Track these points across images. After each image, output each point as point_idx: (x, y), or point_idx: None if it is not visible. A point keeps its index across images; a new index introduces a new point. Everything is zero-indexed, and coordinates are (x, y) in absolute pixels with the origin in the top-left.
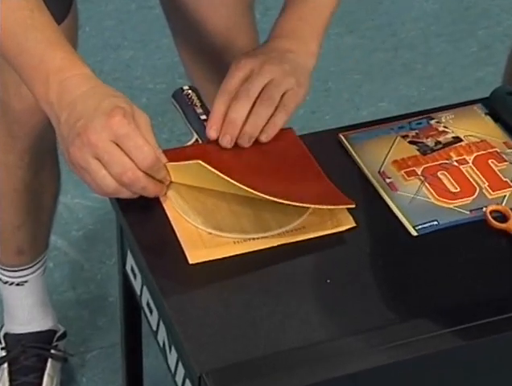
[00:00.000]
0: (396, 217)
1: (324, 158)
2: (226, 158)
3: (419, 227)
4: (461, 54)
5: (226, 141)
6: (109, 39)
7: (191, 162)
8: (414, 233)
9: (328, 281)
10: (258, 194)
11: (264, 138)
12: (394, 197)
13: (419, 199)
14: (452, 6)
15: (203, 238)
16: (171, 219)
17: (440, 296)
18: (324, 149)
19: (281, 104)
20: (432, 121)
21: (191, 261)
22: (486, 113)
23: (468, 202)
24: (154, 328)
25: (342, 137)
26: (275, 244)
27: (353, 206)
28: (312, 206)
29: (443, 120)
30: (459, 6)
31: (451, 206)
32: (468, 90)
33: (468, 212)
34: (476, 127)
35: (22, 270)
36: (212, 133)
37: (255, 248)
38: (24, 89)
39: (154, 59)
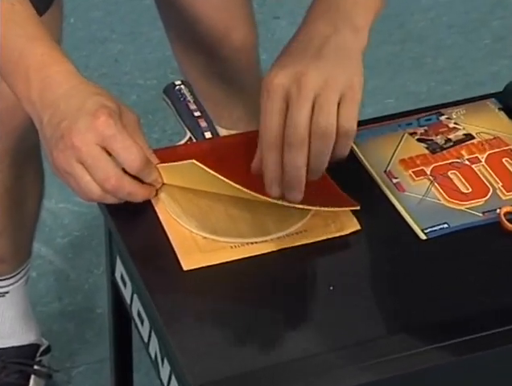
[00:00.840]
0: (403, 220)
1: None
2: (223, 157)
3: (428, 230)
4: (474, 46)
5: (294, 197)
6: (95, 31)
7: (184, 162)
8: (423, 237)
9: (331, 287)
10: (257, 195)
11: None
12: (402, 198)
13: (427, 201)
14: None
15: (198, 243)
16: (163, 222)
17: (451, 304)
18: None
19: (340, 126)
20: (442, 117)
21: (185, 268)
22: (500, 109)
23: (481, 203)
24: (146, 339)
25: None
26: (275, 249)
27: (358, 208)
28: (315, 208)
29: (454, 116)
30: None
31: (462, 208)
32: (482, 85)
33: (480, 214)
34: (488, 123)
35: (2, 280)
36: (275, 192)
37: (253, 254)
38: (5, 87)
39: (145, 53)
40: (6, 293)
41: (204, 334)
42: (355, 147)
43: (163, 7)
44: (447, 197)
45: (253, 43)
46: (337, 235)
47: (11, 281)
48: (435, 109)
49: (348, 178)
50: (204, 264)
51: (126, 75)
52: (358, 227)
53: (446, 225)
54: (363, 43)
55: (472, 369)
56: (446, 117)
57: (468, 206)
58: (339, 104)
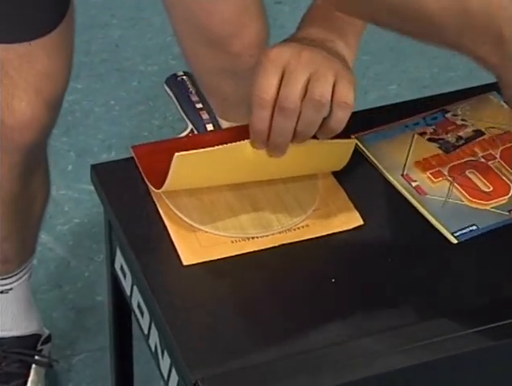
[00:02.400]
0: (429, 224)
1: None
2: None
3: (458, 233)
4: None
5: (276, 155)
6: (96, 16)
7: (201, 150)
8: (454, 241)
9: (333, 280)
10: (243, 142)
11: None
12: (424, 202)
13: (451, 203)
14: None
15: (198, 237)
16: (163, 216)
17: (498, 307)
18: None
19: (335, 98)
20: (448, 114)
21: (185, 263)
22: (504, 101)
23: (505, 201)
24: (146, 331)
25: (355, 140)
26: (276, 244)
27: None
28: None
29: (460, 112)
30: None
31: (487, 207)
32: (485, 71)
33: (506, 213)
34: (495, 117)
35: (6, 278)
36: (258, 147)
37: (255, 249)
38: (17, 101)
39: (146, 38)
40: (10, 289)
41: (205, 327)
42: (366, 151)
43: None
44: (469, 197)
45: (265, 39)
46: (340, 229)
47: (15, 278)
48: (439, 102)
49: (363, 183)
50: (204, 260)
51: (127, 61)
52: (361, 221)
53: (475, 227)
54: (353, 59)
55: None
56: (452, 113)
57: (492, 205)
58: (334, 83)
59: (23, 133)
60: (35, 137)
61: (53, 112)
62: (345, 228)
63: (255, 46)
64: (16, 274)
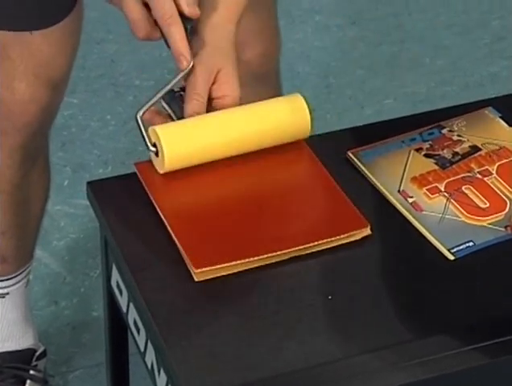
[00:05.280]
0: (426, 240)
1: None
2: (229, 180)
3: (455, 249)
4: (473, 46)
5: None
6: (91, 31)
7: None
8: (451, 257)
9: (330, 297)
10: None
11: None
12: (421, 218)
13: (447, 219)
14: None
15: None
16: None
17: (497, 321)
18: (331, 165)
19: None
20: (444, 130)
21: (197, 279)
22: (500, 117)
23: (501, 217)
24: (142, 349)
25: (352, 156)
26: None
27: (369, 232)
28: (323, 241)
29: (456, 128)
30: None
31: (484, 223)
32: (481, 86)
33: (503, 229)
34: (491, 133)
35: (3, 281)
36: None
37: (255, 265)
38: (17, 83)
39: (141, 53)
40: (7, 294)
41: (202, 344)
42: (363, 167)
43: None
44: (466, 213)
45: (276, 51)
46: (346, 241)
47: (12, 281)
48: (435, 118)
49: (360, 199)
50: (215, 275)
51: (123, 76)
52: (369, 231)
53: (471, 243)
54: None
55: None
56: (448, 129)
57: (489, 221)
58: None
59: (23, 113)
60: (35, 118)
61: (53, 93)
62: (352, 239)
63: (266, 55)
64: (13, 277)
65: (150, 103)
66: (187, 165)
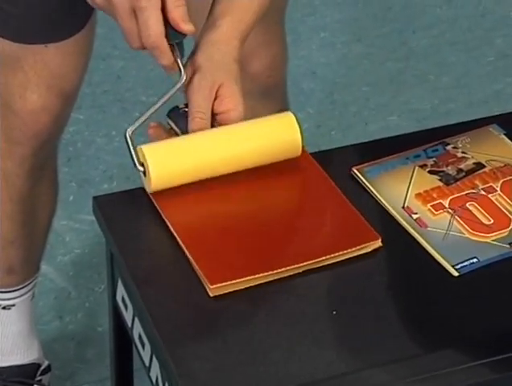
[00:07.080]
0: (430, 256)
1: None
2: (239, 194)
3: (459, 266)
4: (477, 64)
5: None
6: (98, 47)
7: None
8: (455, 273)
9: (334, 312)
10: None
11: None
12: (425, 234)
13: (452, 235)
14: (467, 11)
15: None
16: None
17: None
18: (336, 181)
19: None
20: (449, 147)
21: (212, 294)
22: (504, 134)
23: (505, 234)
24: (147, 363)
25: (356, 172)
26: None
27: (379, 243)
28: (336, 254)
29: (460, 144)
30: (475, 12)
31: (488, 240)
32: (485, 103)
33: (507, 245)
34: (495, 150)
35: (10, 292)
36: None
37: (264, 281)
38: (29, 93)
39: (147, 69)
40: (13, 305)
41: (207, 359)
42: (367, 183)
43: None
44: (470, 230)
45: (283, 62)
46: (357, 253)
47: (18, 293)
48: (440, 134)
49: (364, 215)
50: (229, 290)
51: (129, 92)
52: (380, 243)
53: (476, 259)
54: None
55: None
56: (452, 146)
57: (493, 238)
58: None
59: (35, 122)
60: (45, 128)
61: (64, 104)
62: (363, 252)
63: (274, 68)
64: (20, 289)
65: (140, 120)
66: (176, 184)
